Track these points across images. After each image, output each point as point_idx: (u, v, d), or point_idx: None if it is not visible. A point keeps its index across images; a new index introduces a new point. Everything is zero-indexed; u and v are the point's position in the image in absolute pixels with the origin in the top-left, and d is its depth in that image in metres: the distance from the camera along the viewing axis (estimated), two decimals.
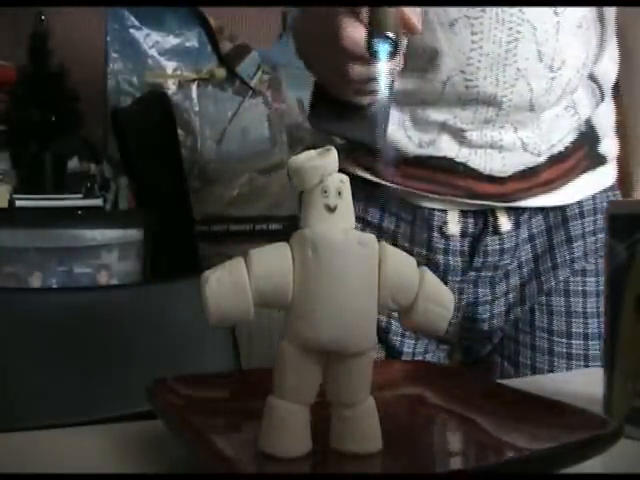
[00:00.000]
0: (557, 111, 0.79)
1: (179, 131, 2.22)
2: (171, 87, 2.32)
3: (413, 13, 0.57)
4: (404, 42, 0.61)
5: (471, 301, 0.84)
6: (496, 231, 0.81)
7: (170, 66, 2.32)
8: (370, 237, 0.42)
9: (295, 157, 0.41)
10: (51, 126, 1.79)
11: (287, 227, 2.35)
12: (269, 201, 2.40)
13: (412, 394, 0.53)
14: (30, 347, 0.84)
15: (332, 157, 0.41)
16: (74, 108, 1.84)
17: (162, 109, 2.11)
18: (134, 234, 1.79)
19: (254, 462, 0.41)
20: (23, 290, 1.37)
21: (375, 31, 0.53)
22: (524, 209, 0.82)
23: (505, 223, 0.81)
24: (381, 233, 0.84)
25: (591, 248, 0.84)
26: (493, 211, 0.81)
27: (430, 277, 0.44)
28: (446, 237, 0.81)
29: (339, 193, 0.41)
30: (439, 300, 0.43)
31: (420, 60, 0.75)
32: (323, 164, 0.41)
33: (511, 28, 0.72)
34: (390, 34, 0.53)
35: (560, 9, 0.73)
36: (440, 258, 0.82)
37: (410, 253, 0.80)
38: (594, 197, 0.85)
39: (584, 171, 0.84)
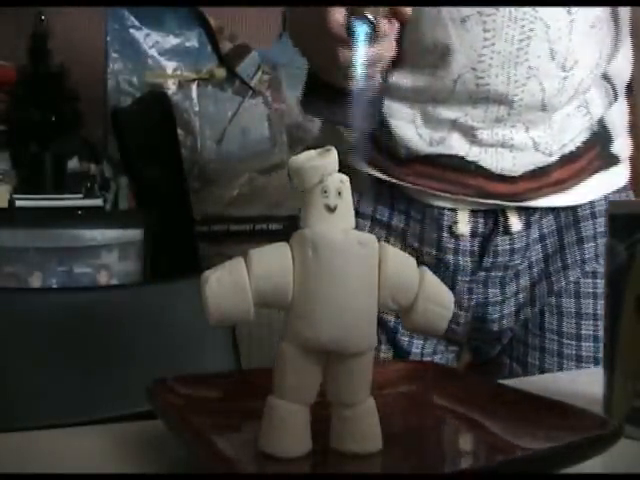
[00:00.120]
0: (569, 110, 0.78)
1: (179, 131, 2.22)
2: (171, 87, 2.32)
3: None
4: (389, 28, 0.61)
5: (481, 301, 0.83)
6: (506, 231, 0.80)
7: (170, 66, 2.32)
8: (370, 237, 0.42)
9: (295, 157, 0.41)
10: (51, 126, 1.79)
11: (287, 227, 2.35)
12: (269, 201, 2.40)
13: (412, 394, 0.53)
14: (30, 347, 0.84)
15: (332, 157, 0.41)
16: (74, 108, 1.84)
17: (162, 109, 2.11)
18: (134, 234, 1.79)
19: (254, 462, 0.41)
20: (23, 290, 1.37)
21: (354, 12, 0.54)
22: (535, 209, 0.81)
23: (516, 223, 0.80)
24: (390, 231, 0.83)
25: (602, 250, 0.84)
26: (504, 211, 0.80)
27: (430, 277, 0.44)
28: (456, 237, 0.80)
29: (339, 193, 0.41)
30: (439, 300, 0.43)
31: (431, 57, 0.74)
32: (323, 164, 0.41)
33: (524, 26, 0.71)
34: (369, 16, 0.53)
35: (574, 8, 0.73)
36: (450, 258, 0.81)
37: (419, 252, 0.82)
38: (606, 198, 0.84)
39: (596, 171, 0.83)
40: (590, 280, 0.83)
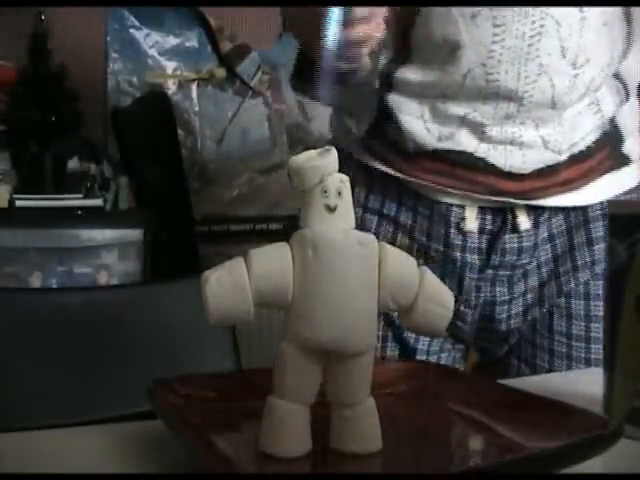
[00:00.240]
0: (579, 109, 0.78)
1: (179, 131, 2.22)
2: (171, 87, 2.31)
3: None
4: (370, 8, 0.61)
5: (488, 300, 0.83)
6: (515, 229, 0.79)
7: (170, 66, 2.32)
8: (370, 237, 0.42)
9: (295, 157, 0.41)
10: (51, 126, 1.79)
11: (287, 227, 2.35)
12: (269, 201, 2.40)
13: (412, 394, 0.53)
14: (30, 347, 0.84)
15: (332, 157, 0.41)
16: (74, 108, 1.84)
17: (162, 109, 2.11)
18: (134, 234, 1.79)
19: (254, 462, 0.41)
20: (23, 290, 1.37)
21: None
22: (544, 208, 0.80)
23: (524, 222, 0.80)
24: (398, 227, 0.83)
25: None
26: (512, 209, 0.79)
27: (430, 277, 0.44)
28: (464, 233, 0.80)
29: (339, 193, 0.41)
30: (439, 300, 0.43)
31: (441, 52, 0.74)
32: (323, 164, 0.41)
33: (534, 22, 0.71)
34: None
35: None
36: (457, 254, 0.81)
37: (427, 248, 0.82)
38: (617, 199, 0.82)
39: (606, 171, 0.82)
40: (600, 282, 0.82)
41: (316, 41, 0.63)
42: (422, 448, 0.47)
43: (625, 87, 0.81)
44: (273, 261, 0.40)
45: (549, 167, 0.78)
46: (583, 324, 0.83)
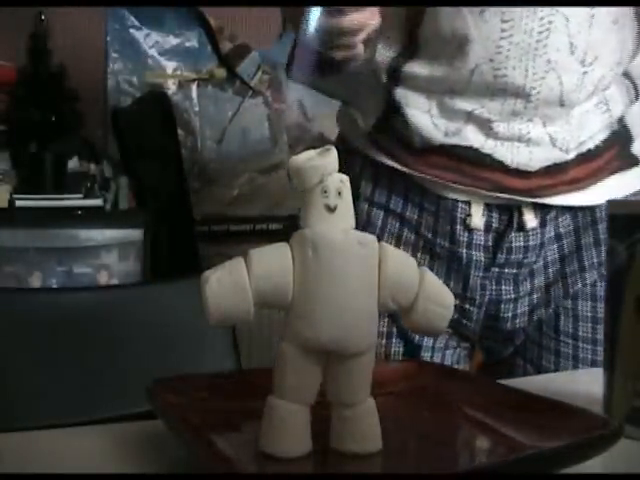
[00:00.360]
0: (588, 107, 0.77)
1: (179, 131, 2.22)
2: (171, 87, 2.32)
3: None
4: None
5: (494, 298, 0.82)
6: (521, 228, 0.79)
7: (170, 66, 2.32)
8: (370, 237, 0.42)
9: (295, 157, 0.41)
10: (51, 126, 1.79)
11: (287, 227, 2.35)
12: (269, 201, 2.40)
13: (412, 394, 0.53)
14: (30, 347, 0.84)
15: (332, 157, 0.41)
16: (74, 108, 1.84)
17: (162, 109, 2.11)
18: (134, 234, 1.79)
19: (254, 462, 0.41)
20: (23, 290, 1.37)
21: None
22: (551, 207, 0.80)
23: (531, 220, 0.79)
24: (404, 222, 0.83)
25: None
26: (519, 207, 0.79)
27: (430, 277, 0.44)
28: (469, 230, 0.80)
29: (339, 193, 0.41)
30: (439, 300, 0.43)
31: (448, 47, 0.74)
32: (323, 164, 0.41)
33: (543, 18, 0.71)
34: None
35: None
36: (463, 251, 0.80)
37: (433, 244, 0.82)
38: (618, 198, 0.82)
39: (615, 172, 0.81)
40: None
41: (309, 29, 0.63)
42: (422, 448, 0.47)
43: (635, 87, 0.80)
44: (273, 261, 0.40)
45: (556, 165, 0.77)
46: (590, 325, 0.82)
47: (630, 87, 0.80)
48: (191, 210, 2.11)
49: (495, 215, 0.79)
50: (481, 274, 0.81)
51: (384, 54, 0.78)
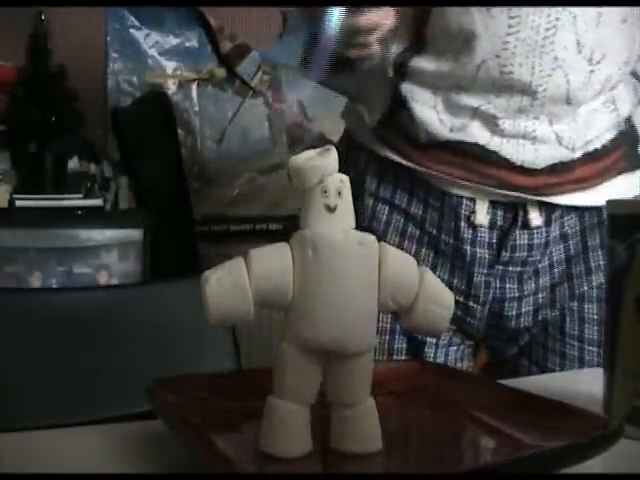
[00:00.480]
0: (595, 106, 0.77)
1: (179, 131, 2.22)
2: (171, 87, 2.32)
3: None
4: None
5: (497, 296, 0.82)
6: (526, 226, 0.79)
7: (170, 66, 2.32)
8: (370, 237, 0.42)
9: (295, 157, 0.41)
10: (51, 126, 1.79)
11: (287, 227, 2.35)
12: (269, 201, 2.40)
13: (412, 394, 0.53)
14: (30, 347, 0.84)
15: (332, 157, 0.41)
16: (74, 108, 1.84)
17: (162, 109, 2.11)
18: (134, 234, 1.79)
19: (254, 462, 0.41)
20: (23, 290, 1.37)
21: None
22: (556, 206, 0.80)
23: (535, 218, 0.79)
24: (408, 217, 0.83)
25: None
26: (524, 205, 0.79)
27: (430, 277, 0.43)
28: (474, 227, 0.79)
29: (339, 193, 0.41)
30: (439, 300, 0.43)
31: (455, 42, 0.74)
32: (323, 164, 0.41)
33: (549, 15, 0.71)
34: None
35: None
36: (467, 248, 0.80)
37: (437, 240, 0.82)
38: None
39: (621, 172, 0.81)
40: None
41: (325, 27, 0.63)
42: (422, 448, 0.47)
43: None
44: (273, 261, 0.40)
45: (562, 164, 0.77)
46: (596, 328, 0.82)
47: (638, 86, 0.80)
48: (191, 210, 2.11)
49: (500, 212, 0.79)
50: (485, 271, 0.81)
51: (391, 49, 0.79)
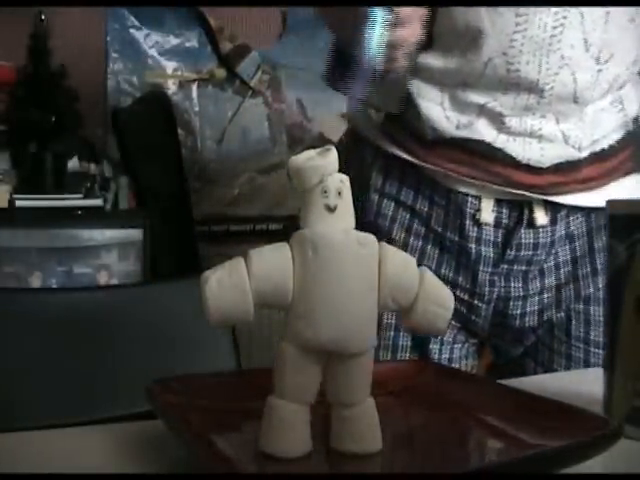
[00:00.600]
0: (602, 105, 0.77)
1: (179, 131, 2.22)
2: (171, 87, 2.32)
3: None
4: (412, 13, 0.61)
5: (502, 295, 0.82)
6: (531, 224, 0.79)
7: (170, 66, 2.32)
8: (370, 237, 0.41)
9: (295, 157, 0.41)
10: (51, 126, 1.79)
11: (287, 227, 2.35)
12: (269, 201, 2.40)
13: (412, 394, 0.53)
14: (30, 347, 0.84)
15: (332, 157, 0.41)
16: (74, 108, 1.84)
17: (162, 109, 2.12)
18: (134, 234, 1.79)
19: (254, 462, 0.41)
20: (23, 290, 1.37)
21: None
22: (562, 205, 0.79)
23: (541, 217, 0.79)
24: (414, 214, 0.83)
25: None
26: (530, 204, 0.79)
27: (430, 277, 0.43)
28: (479, 225, 0.79)
29: (339, 193, 0.41)
30: (439, 301, 0.43)
31: (462, 39, 0.74)
32: (323, 164, 0.41)
33: (557, 13, 0.70)
34: None
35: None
36: (472, 246, 0.80)
37: (442, 238, 0.82)
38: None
39: (628, 173, 0.81)
40: None
41: (355, 40, 0.63)
42: (422, 448, 0.46)
43: None
44: (273, 261, 0.40)
45: (568, 163, 0.77)
46: (601, 330, 0.81)
47: None
48: (191, 210, 2.11)
49: (505, 211, 0.79)
50: (490, 270, 0.81)
51: None
